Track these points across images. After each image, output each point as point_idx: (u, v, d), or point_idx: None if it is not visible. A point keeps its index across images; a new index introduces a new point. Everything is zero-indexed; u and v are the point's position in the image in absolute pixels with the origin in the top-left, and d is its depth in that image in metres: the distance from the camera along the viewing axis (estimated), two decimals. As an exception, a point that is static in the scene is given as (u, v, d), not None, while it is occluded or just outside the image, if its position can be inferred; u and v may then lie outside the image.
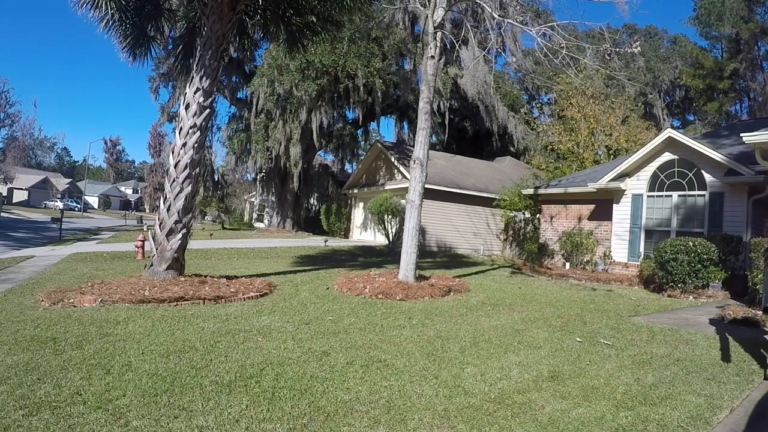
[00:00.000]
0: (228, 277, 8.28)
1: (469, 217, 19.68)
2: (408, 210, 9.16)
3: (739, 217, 10.61)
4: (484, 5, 9.74)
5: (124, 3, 7.88)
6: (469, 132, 28.10)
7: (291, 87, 20.50)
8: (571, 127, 20.02)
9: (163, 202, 7.81)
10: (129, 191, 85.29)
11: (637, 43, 8.64)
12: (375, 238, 21.03)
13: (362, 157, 26.16)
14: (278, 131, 22.37)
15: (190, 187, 7.79)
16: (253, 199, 38.45)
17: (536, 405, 3.55)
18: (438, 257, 16.34)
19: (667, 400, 3.74)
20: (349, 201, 24.83)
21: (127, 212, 55.44)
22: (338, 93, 22.40)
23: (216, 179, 28.61)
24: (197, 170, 8.01)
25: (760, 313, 7.25)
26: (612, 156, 19.36)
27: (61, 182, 68.55)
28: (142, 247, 11.89)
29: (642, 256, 12.07)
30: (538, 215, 16.73)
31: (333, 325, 5.73)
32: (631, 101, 22.52)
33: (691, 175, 11.49)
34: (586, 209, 14.18)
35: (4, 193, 51.29)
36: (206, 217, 35.33)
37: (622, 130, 19.94)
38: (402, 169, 19.26)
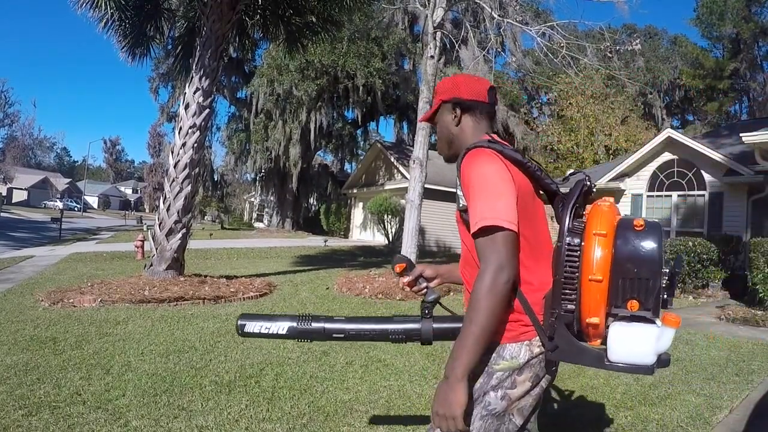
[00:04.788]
0: (228, 277, 8.28)
1: (469, 217, 19.65)
2: (408, 210, 9.15)
3: (738, 217, 10.62)
4: (484, 5, 9.74)
5: (123, 2, 7.88)
6: (468, 132, 28.06)
7: (290, 87, 20.50)
8: (571, 127, 20.03)
9: (163, 202, 7.81)
10: (128, 191, 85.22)
11: (638, 40, 8.65)
12: (374, 237, 21.04)
13: (362, 157, 26.16)
14: (278, 131, 22.37)
15: (189, 187, 7.78)
16: (252, 199, 38.45)
17: (536, 405, 3.55)
18: (438, 257, 16.34)
19: (666, 400, 3.74)
20: (349, 201, 24.83)
21: (127, 212, 55.38)
22: (338, 93, 22.40)
23: (215, 179, 28.62)
24: (197, 170, 8.01)
25: (760, 312, 7.26)
26: (611, 156, 19.36)
27: (60, 182, 68.48)
28: (142, 247, 11.89)
29: (642, 256, 12.08)
30: (537, 215, 16.72)
31: (333, 325, 5.72)
32: (630, 101, 22.53)
33: (690, 175, 11.49)
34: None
35: (4, 193, 51.26)
36: (206, 217, 35.33)
37: (622, 130, 19.95)
38: (402, 169, 19.26)
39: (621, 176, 12.67)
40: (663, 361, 1.26)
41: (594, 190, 1.46)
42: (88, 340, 4.51)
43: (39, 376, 3.52)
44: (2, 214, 33.75)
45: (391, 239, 18.33)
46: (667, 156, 11.99)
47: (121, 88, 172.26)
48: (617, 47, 8.99)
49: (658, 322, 1.25)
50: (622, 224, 1.29)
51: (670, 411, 3.53)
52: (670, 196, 11.90)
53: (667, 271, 1.26)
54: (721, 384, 4.15)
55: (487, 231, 1.24)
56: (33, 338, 4.49)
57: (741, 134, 9.46)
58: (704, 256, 9.27)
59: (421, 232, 15.24)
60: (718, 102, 33.67)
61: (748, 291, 8.69)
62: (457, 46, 12.95)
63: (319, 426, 3.00)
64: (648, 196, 12.33)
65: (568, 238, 1.28)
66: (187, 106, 7.87)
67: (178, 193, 7.68)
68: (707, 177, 11.13)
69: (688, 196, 11.61)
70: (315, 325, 1.56)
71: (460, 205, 1.37)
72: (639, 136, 19.86)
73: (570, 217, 1.32)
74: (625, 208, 12.76)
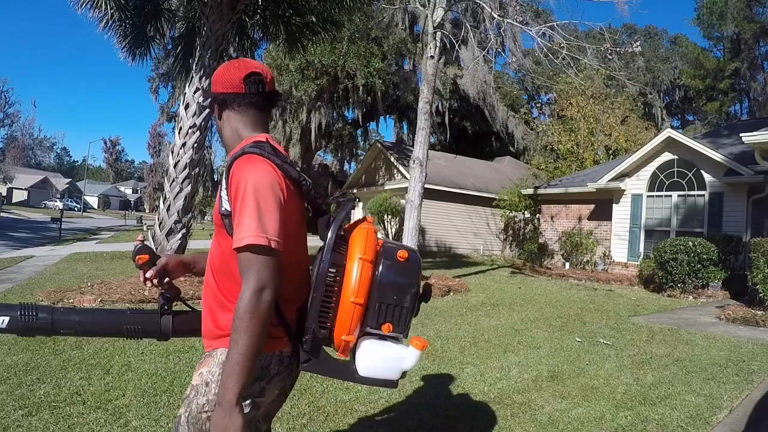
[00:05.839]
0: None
1: (469, 217, 19.68)
2: (408, 210, 9.16)
3: (738, 217, 10.62)
4: (484, 5, 9.75)
5: (123, 3, 7.88)
6: (469, 132, 28.11)
7: (290, 87, 20.50)
8: (571, 127, 20.02)
9: (163, 202, 7.81)
10: (128, 191, 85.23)
11: (638, 43, 8.66)
12: (375, 238, 21.02)
13: (362, 158, 26.17)
14: (278, 131, 22.38)
15: (189, 187, 7.78)
16: (252, 199, 38.40)
17: (536, 405, 3.55)
18: (438, 257, 16.34)
19: (666, 400, 3.74)
20: (349, 201, 24.82)
21: (127, 212, 55.37)
22: (338, 93, 22.41)
23: (216, 179, 28.62)
24: (197, 170, 8.00)
25: (760, 312, 7.26)
26: (611, 156, 19.36)
27: (60, 182, 68.49)
28: (142, 247, 11.87)
29: (642, 256, 12.08)
30: (537, 215, 16.74)
31: (333, 325, 5.72)
32: (630, 101, 22.53)
33: (690, 175, 11.49)
34: (586, 209, 14.18)
35: (4, 193, 51.28)
36: (206, 217, 35.36)
37: (622, 130, 19.95)
38: (402, 169, 19.26)
39: (621, 176, 12.67)
40: (402, 375, 1.37)
41: (353, 210, 1.46)
42: (88, 340, 4.51)
43: (39, 376, 3.52)
44: (2, 214, 33.74)
45: (391, 239, 18.31)
46: (667, 156, 11.99)
47: (121, 88, 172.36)
48: (617, 48, 8.99)
49: (406, 342, 1.35)
50: (386, 252, 1.33)
51: (670, 411, 3.53)
52: (670, 196, 11.90)
53: (427, 299, 1.40)
54: (721, 384, 4.15)
55: (252, 249, 1.19)
56: (33, 338, 4.48)
57: (741, 134, 9.46)
58: (704, 256, 9.27)
59: (421, 232, 15.24)
60: (719, 102, 33.69)
61: (748, 291, 8.69)
62: (457, 46, 12.94)
63: (319, 426, 3.00)
64: (648, 196, 12.33)
65: (330, 258, 1.29)
66: (187, 106, 7.86)
67: (178, 193, 7.68)
68: (707, 177, 11.13)
69: (688, 196, 11.61)
70: (42, 316, 1.38)
71: (222, 209, 1.31)
72: (639, 136, 19.85)
73: (335, 236, 1.32)
74: (625, 208, 12.77)
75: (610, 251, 13.08)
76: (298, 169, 1.37)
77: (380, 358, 1.31)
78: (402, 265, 1.32)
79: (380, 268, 1.30)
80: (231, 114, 1.43)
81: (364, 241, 1.32)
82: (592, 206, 13.98)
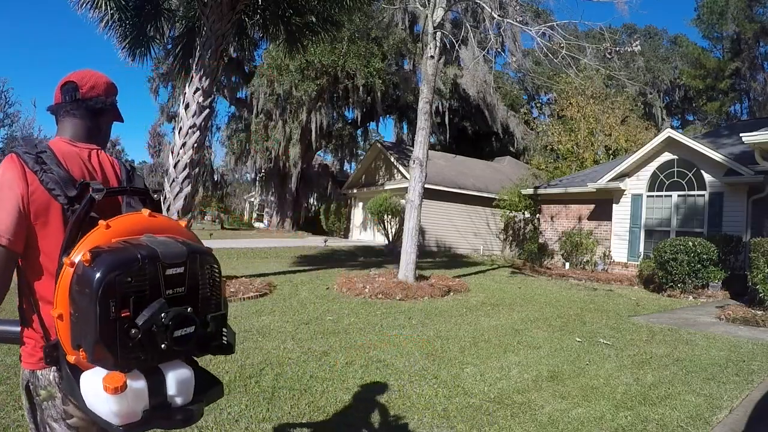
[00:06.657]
0: (227, 277, 8.27)
1: (469, 217, 19.68)
2: (408, 210, 9.16)
3: (738, 217, 10.61)
4: (484, 5, 9.76)
5: (123, 3, 7.88)
6: (469, 132, 28.12)
7: (290, 87, 20.51)
8: (571, 127, 20.03)
9: (163, 202, 7.80)
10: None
11: (637, 42, 8.66)
12: (374, 238, 21.04)
13: (362, 157, 26.17)
14: (278, 131, 22.40)
15: (189, 187, 7.78)
16: (252, 199, 38.48)
17: (536, 405, 3.55)
18: (438, 257, 16.34)
19: (666, 400, 3.74)
20: (349, 201, 24.84)
21: (127, 212, 55.25)
22: (338, 93, 22.43)
23: (215, 179, 28.65)
24: (197, 170, 8.00)
25: (760, 312, 7.26)
26: (611, 156, 19.37)
27: (60, 182, 68.44)
28: (142, 247, 11.87)
29: (642, 256, 12.08)
30: (537, 215, 16.74)
31: (332, 324, 5.73)
32: (630, 101, 22.54)
33: (690, 175, 11.49)
34: (586, 209, 14.18)
35: (4, 193, 51.25)
36: (206, 217, 35.37)
37: (622, 130, 19.95)
38: (402, 169, 19.26)
39: (621, 176, 12.67)
40: (125, 424, 1.03)
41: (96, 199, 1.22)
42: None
43: (39, 376, 3.52)
44: (2, 214, 33.71)
45: (391, 239, 18.32)
46: (667, 156, 11.99)
47: (120, 88, 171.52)
48: (617, 48, 8.99)
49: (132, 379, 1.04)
50: (83, 254, 1.06)
51: (670, 411, 3.53)
52: (670, 196, 11.89)
53: (141, 322, 1.02)
54: (721, 384, 4.15)
55: None
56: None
57: (741, 134, 9.46)
58: (704, 256, 9.27)
59: (421, 232, 15.24)
60: (719, 102, 33.68)
61: (748, 291, 8.69)
62: (457, 46, 12.93)
63: (319, 426, 3.00)
64: (648, 196, 12.33)
65: (62, 261, 1.11)
66: (187, 106, 7.86)
67: (178, 193, 7.67)
68: (707, 177, 11.13)
69: (688, 196, 11.60)
70: None
71: None
72: (639, 136, 19.86)
73: (68, 237, 1.16)
74: (625, 208, 12.77)
75: (610, 251, 13.08)
76: (51, 160, 1.27)
77: (88, 391, 1.05)
78: (85, 272, 1.02)
79: (73, 274, 1.05)
80: (58, 124, 1.45)
81: (86, 239, 1.10)
82: (592, 206, 13.98)
